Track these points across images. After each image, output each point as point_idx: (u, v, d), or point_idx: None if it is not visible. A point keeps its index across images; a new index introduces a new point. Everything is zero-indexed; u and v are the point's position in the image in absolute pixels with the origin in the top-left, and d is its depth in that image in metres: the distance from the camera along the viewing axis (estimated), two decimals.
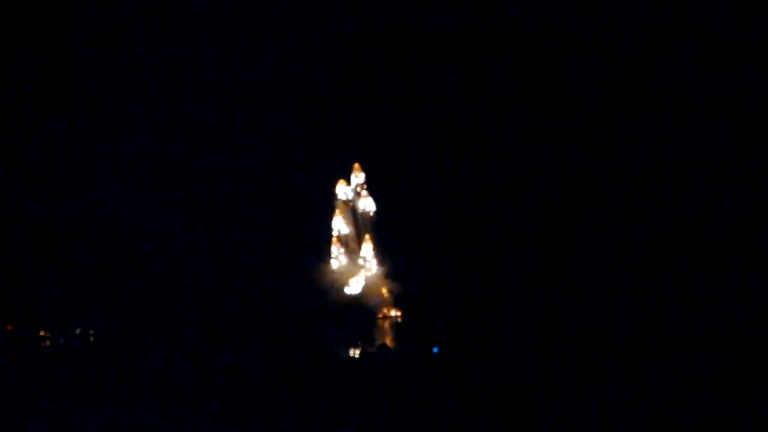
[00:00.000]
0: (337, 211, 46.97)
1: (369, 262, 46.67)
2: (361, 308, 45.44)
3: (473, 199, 43.38)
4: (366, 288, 46.18)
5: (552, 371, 35.09)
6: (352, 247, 47.32)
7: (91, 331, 43.60)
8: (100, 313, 43.43)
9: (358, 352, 42.32)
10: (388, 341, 44.20)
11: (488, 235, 42.34)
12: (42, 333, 43.40)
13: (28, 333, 43.25)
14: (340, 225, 47.04)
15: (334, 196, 46.96)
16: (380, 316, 45.40)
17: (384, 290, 45.82)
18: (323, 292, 45.29)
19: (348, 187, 46.42)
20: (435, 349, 40.58)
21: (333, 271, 46.44)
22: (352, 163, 47.03)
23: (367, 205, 47.01)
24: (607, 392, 32.74)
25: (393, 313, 45.40)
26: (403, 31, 44.60)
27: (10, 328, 42.02)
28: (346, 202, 47.04)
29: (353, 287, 46.22)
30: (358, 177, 47.25)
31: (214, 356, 41.37)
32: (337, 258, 46.34)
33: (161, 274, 43.63)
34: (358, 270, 46.75)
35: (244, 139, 44.53)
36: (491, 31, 42.78)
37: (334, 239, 46.79)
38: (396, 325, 44.98)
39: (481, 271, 41.89)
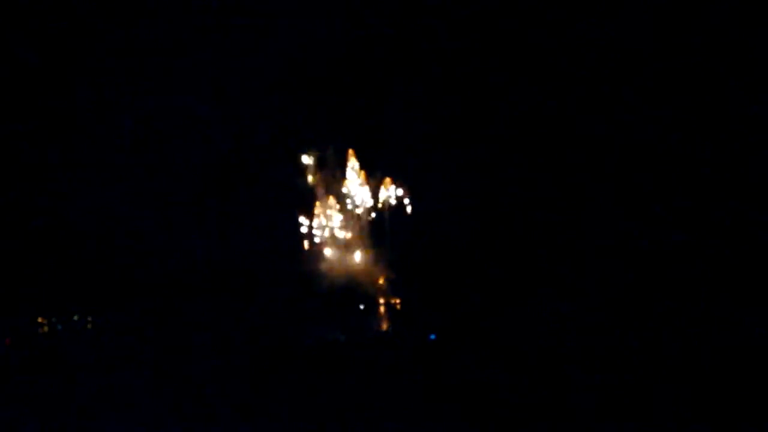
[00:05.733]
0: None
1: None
2: (357, 295, 45.63)
3: (475, 185, 43.48)
4: (362, 274, 46.35)
5: (551, 365, 35.34)
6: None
7: (89, 318, 43.67)
8: (99, 300, 43.55)
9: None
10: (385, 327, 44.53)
11: (490, 224, 42.49)
12: (40, 320, 43.46)
13: (26, 319, 43.34)
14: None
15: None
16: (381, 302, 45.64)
17: (381, 277, 45.98)
18: (315, 280, 45.53)
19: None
20: (432, 336, 40.87)
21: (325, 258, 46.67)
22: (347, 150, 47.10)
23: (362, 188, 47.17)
24: (605, 385, 33.00)
25: (391, 300, 45.60)
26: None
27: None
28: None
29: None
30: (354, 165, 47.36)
31: (210, 342, 41.63)
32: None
33: (158, 262, 43.75)
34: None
35: (230, 127, 44.67)
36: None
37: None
38: (394, 312, 45.19)
39: (482, 259, 42.07)
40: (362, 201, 46.91)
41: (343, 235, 47.11)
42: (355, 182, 47.04)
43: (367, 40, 44.26)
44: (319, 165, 46.96)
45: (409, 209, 46.46)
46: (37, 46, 43.18)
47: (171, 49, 43.97)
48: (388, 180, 46.73)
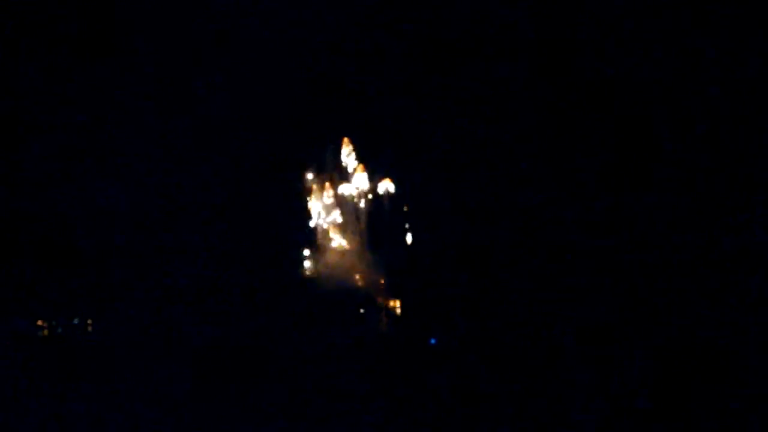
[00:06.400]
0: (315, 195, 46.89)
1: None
2: (356, 297, 45.51)
3: (476, 185, 43.36)
4: (361, 276, 46.24)
5: (551, 366, 35.25)
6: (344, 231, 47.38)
7: (90, 321, 43.60)
8: (99, 303, 43.49)
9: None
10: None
11: (492, 221, 42.35)
12: (40, 323, 43.38)
13: (25, 322, 43.28)
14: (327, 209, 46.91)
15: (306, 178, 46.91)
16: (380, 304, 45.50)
17: (381, 279, 45.83)
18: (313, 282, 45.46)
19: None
20: (432, 341, 40.70)
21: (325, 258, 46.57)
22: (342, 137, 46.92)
23: (361, 182, 46.99)
24: (606, 387, 32.94)
25: (391, 303, 45.45)
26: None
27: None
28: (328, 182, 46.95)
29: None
30: (349, 152, 47.16)
31: (213, 348, 41.58)
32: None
33: (158, 265, 43.69)
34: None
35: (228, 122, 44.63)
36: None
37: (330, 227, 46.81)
38: (394, 316, 45.04)
39: (484, 261, 41.93)
40: (361, 191, 46.75)
41: (341, 236, 47.05)
42: (351, 171, 46.93)
43: (366, 41, 44.25)
44: (318, 167, 46.94)
45: (407, 209, 46.37)
46: (41, 43, 43.22)
47: (172, 49, 43.99)
48: (387, 180, 46.64)
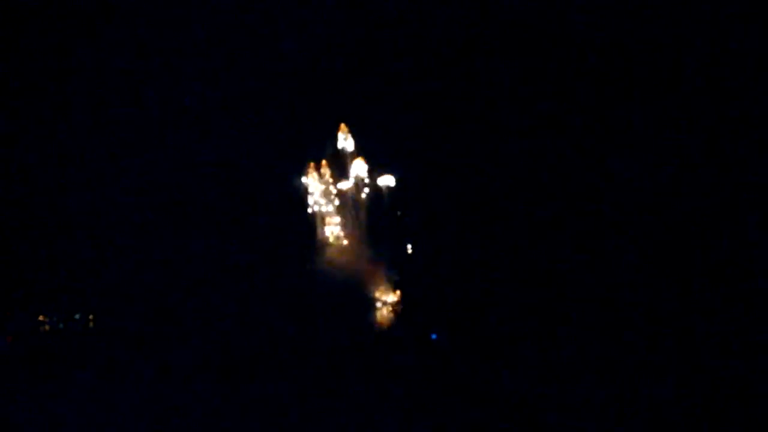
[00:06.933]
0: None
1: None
2: (358, 293, 45.61)
3: (476, 182, 43.46)
4: (363, 272, 46.32)
5: (552, 362, 35.46)
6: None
7: (91, 317, 43.73)
8: (100, 298, 43.62)
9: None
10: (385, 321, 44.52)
11: (492, 221, 42.47)
12: (41, 318, 43.52)
13: (27, 318, 43.42)
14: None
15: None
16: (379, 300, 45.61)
17: (382, 275, 45.94)
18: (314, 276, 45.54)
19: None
20: (433, 336, 40.89)
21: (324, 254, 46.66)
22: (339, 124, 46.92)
23: (359, 170, 46.99)
24: (606, 383, 33.14)
25: (391, 298, 45.59)
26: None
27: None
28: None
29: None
30: (347, 140, 47.16)
31: (212, 343, 41.73)
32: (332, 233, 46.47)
33: (159, 261, 43.81)
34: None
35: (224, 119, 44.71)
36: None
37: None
38: (395, 312, 45.19)
39: (485, 256, 42.07)
40: (359, 179, 46.65)
41: (340, 229, 47.08)
42: (349, 158, 46.89)
43: (365, 38, 44.26)
44: (317, 159, 46.96)
45: (407, 205, 46.43)
46: (38, 44, 43.22)
47: (173, 49, 44.03)
48: (390, 176, 46.66)
